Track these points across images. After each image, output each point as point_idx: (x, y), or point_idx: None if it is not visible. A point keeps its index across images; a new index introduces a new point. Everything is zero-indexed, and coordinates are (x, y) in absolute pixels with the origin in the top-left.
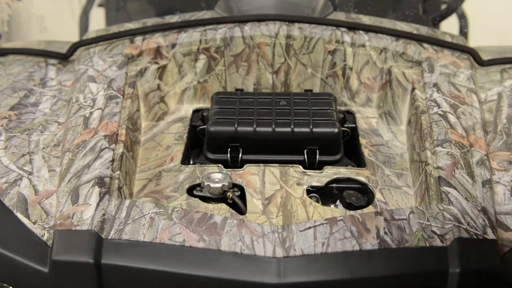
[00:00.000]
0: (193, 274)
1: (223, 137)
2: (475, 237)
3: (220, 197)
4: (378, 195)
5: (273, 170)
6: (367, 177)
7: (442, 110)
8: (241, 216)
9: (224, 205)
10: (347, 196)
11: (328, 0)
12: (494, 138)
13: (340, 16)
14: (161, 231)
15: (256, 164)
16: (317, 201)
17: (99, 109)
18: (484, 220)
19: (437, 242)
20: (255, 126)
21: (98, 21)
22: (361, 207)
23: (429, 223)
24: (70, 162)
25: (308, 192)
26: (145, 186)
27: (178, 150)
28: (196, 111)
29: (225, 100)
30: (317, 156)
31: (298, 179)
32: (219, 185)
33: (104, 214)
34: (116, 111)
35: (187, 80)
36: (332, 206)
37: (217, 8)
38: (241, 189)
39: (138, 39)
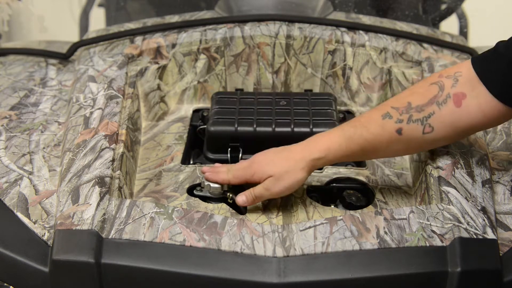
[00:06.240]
0: (193, 273)
1: (223, 137)
2: (475, 236)
3: (220, 197)
4: (378, 195)
5: None
6: (367, 177)
7: None
8: (241, 216)
9: (224, 205)
10: (347, 196)
11: (328, 0)
12: (494, 138)
13: (340, 16)
14: (161, 230)
15: None
16: (317, 201)
17: (99, 109)
18: (484, 220)
19: (437, 242)
20: (255, 126)
21: (98, 21)
22: (361, 207)
23: (429, 223)
24: (70, 161)
25: (308, 192)
26: (145, 185)
27: (178, 150)
28: (196, 111)
29: (225, 100)
30: None
31: None
32: (219, 185)
33: (104, 214)
34: (116, 111)
35: (187, 80)
36: (332, 206)
37: (217, 8)
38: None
39: (138, 39)
